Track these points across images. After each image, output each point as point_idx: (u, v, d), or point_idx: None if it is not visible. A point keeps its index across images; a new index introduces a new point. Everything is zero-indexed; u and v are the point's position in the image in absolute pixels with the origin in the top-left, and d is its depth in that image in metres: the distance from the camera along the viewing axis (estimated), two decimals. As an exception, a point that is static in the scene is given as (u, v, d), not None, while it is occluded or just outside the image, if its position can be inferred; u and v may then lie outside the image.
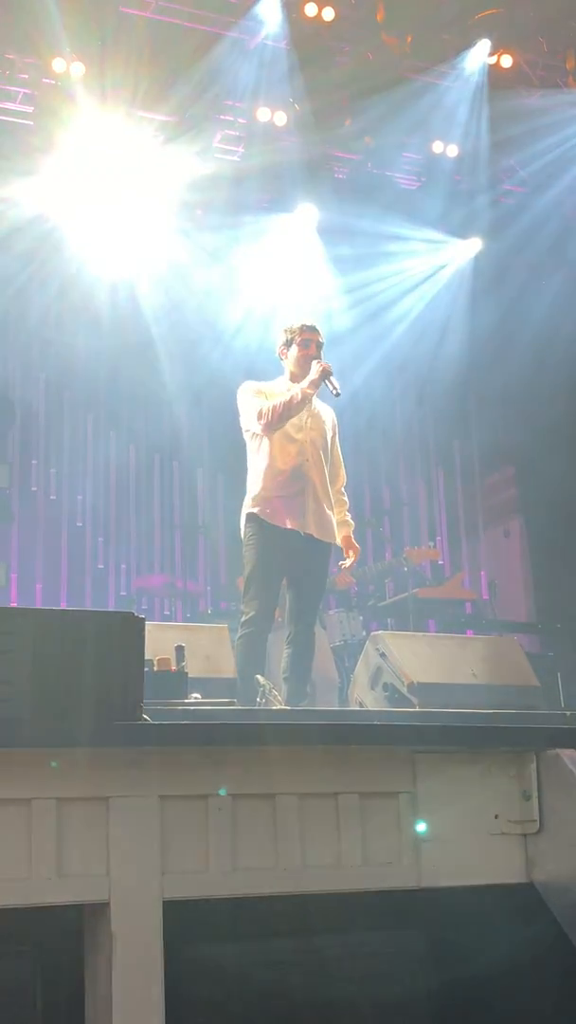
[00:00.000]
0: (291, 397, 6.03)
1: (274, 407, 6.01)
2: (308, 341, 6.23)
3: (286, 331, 6.33)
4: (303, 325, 6.31)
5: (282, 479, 6.02)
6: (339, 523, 6.24)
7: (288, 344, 6.28)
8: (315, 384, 6.06)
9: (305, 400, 6.07)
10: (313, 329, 6.30)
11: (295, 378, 6.24)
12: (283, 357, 6.33)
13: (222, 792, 2.76)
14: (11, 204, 9.33)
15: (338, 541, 6.23)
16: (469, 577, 11.87)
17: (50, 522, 11.07)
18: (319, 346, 6.24)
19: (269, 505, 5.98)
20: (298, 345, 6.23)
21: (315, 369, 6.07)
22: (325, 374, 6.04)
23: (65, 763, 2.66)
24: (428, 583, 10.33)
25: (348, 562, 6.36)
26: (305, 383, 6.08)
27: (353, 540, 6.34)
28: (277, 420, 6.01)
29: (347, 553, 6.31)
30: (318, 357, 6.17)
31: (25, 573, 10.69)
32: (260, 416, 6.01)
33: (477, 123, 9.68)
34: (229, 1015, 2.82)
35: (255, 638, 5.90)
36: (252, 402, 6.12)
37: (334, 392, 6.07)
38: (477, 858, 3.06)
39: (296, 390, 6.06)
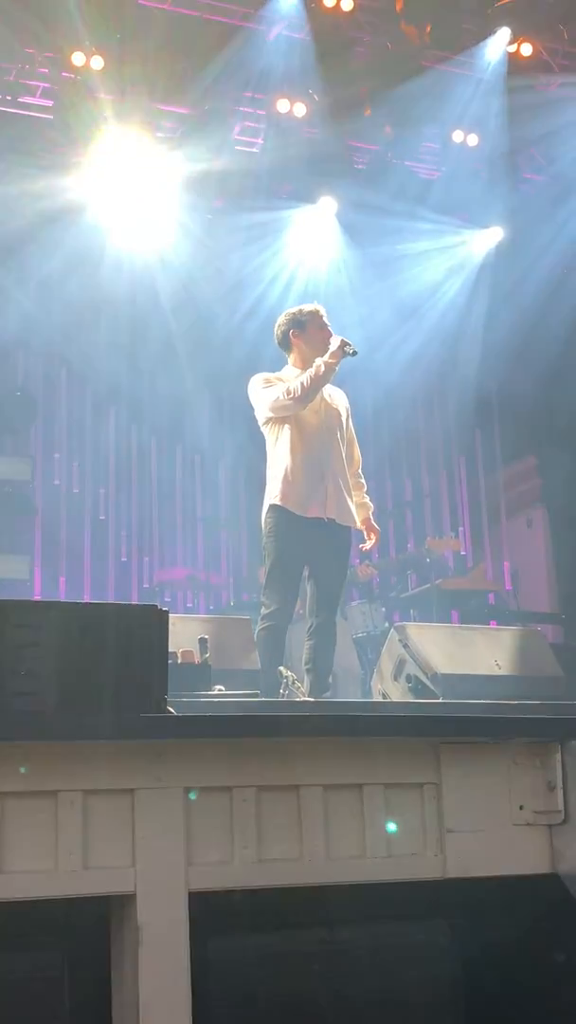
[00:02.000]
0: (316, 368, 5.98)
1: (302, 382, 5.96)
2: (323, 323, 6.19)
3: (294, 315, 6.26)
4: (314, 307, 6.26)
5: (303, 467, 5.99)
6: (358, 506, 6.20)
7: (302, 326, 6.20)
8: (337, 355, 6.03)
9: (330, 372, 6.02)
10: (322, 310, 6.26)
11: (306, 361, 6.15)
12: (294, 341, 6.23)
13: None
14: (32, 198, 9.35)
15: (358, 524, 6.21)
16: (492, 568, 11.85)
17: (73, 516, 11.10)
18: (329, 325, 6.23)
19: (292, 494, 5.97)
20: (315, 325, 6.19)
21: (335, 342, 6.04)
22: (344, 344, 6.01)
23: (90, 755, 2.67)
24: (451, 574, 10.33)
25: (369, 544, 6.33)
26: (326, 356, 6.03)
27: (373, 522, 6.30)
28: (307, 394, 5.97)
29: (368, 536, 6.29)
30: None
31: (48, 567, 10.72)
32: (290, 392, 5.97)
33: (497, 112, 9.64)
34: (254, 1006, 2.83)
35: (276, 631, 5.89)
36: (266, 392, 6.08)
37: (351, 352, 6.03)
38: (502, 849, 3.06)
39: (319, 363, 6.02)
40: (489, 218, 10.87)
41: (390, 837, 2.94)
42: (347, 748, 2.96)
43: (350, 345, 6.02)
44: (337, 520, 6.05)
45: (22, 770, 2.62)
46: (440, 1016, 3.03)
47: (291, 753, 2.89)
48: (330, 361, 6.00)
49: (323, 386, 6.05)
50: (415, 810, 2.99)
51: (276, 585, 5.96)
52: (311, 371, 6.00)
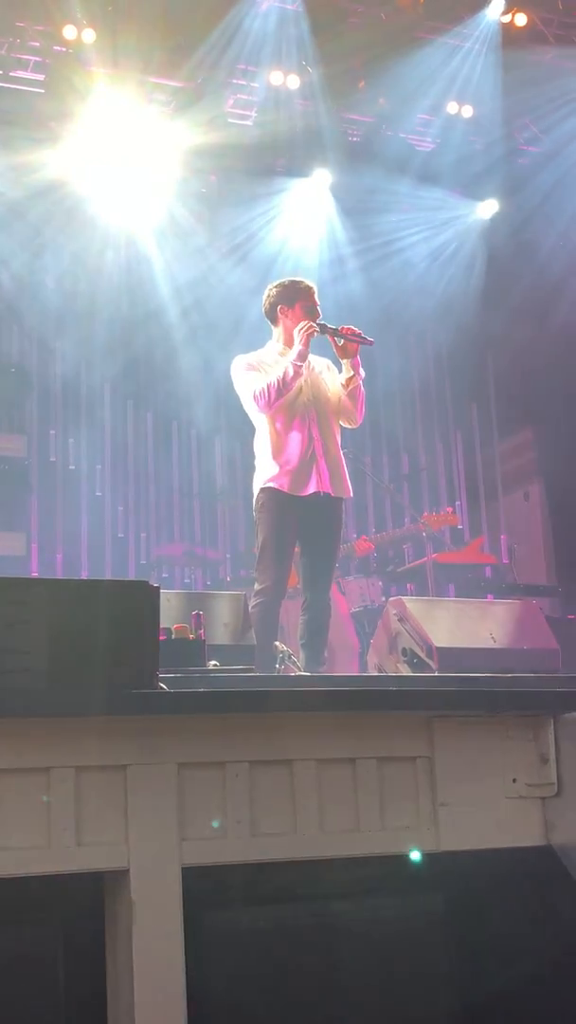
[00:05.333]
0: (284, 373, 5.88)
1: (269, 387, 5.88)
2: (314, 302, 6.09)
3: (286, 287, 6.14)
4: (308, 284, 6.14)
5: (295, 449, 5.96)
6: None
7: (291, 302, 6.09)
8: (303, 355, 5.93)
9: (299, 375, 5.95)
10: (314, 289, 6.15)
11: (290, 339, 6.04)
12: (281, 316, 6.13)
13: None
14: (25, 171, 9.32)
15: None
16: (488, 541, 11.85)
17: (69, 492, 11.08)
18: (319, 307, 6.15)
19: (285, 476, 5.94)
20: (303, 305, 6.06)
21: (299, 337, 5.92)
22: (312, 334, 5.92)
23: (82, 732, 2.67)
24: (447, 548, 10.32)
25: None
26: (293, 355, 5.92)
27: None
28: (274, 400, 5.92)
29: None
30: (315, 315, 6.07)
31: (45, 543, 10.72)
32: (256, 398, 5.94)
33: (492, 83, 9.58)
34: (249, 980, 2.84)
35: (269, 607, 5.87)
36: (247, 379, 6.01)
37: (367, 342, 5.94)
38: (495, 821, 3.07)
39: (287, 365, 5.90)
40: (484, 190, 10.84)
41: (384, 811, 2.95)
42: (340, 722, 2.96)
43: (360, 336, 5.93)
44: (332, 493, 6.02)
45: (19, 745, 2.63)
46: (434, 988, 3.04)
47: (284, 728, 2.89)
48: (297, 363, 5.91)
49: (291, 388, 5.95)
50: (408, 784, 2.99)
51: (268, 562, 5.94)
52: (279, 376, 5.91)
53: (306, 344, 5.93)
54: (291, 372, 5.90)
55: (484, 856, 3.05)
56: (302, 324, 5.96)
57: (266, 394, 5.90)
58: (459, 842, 3.00)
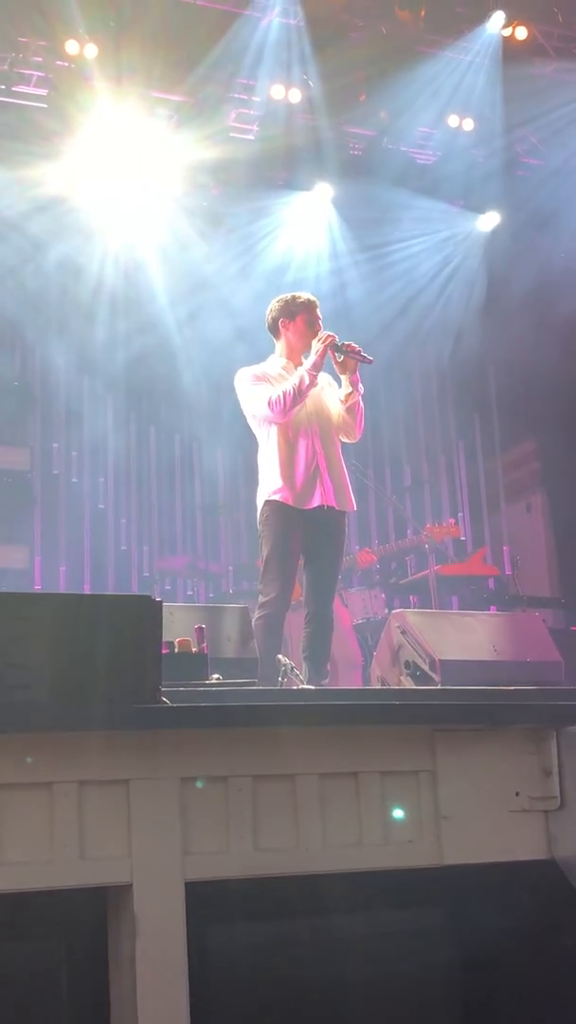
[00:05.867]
0: (300, 381, 5.93)
1: (285, 394, 5.91)
2: (315, 316, 6.15)
3: (287, 302, 6.18)
4: (308, 298, 6.20)
5: (298, 462, 5.97)
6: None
7: (292, 316, 6.15)
8: (318, 366, 5.99)
9: (314, 384, 5.99)
10: (317, 303, 6.21)
11: (293, 352, 6.14)
12: (283, 330, 6.18)
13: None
14: (28, 186, 9.34)
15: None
16: (491, 553, 11.84)
17: (72, 505, 11.10)
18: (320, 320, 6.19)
19: (290, 491, 5.95)
20: (304, 319, 6.12)
21: (316, 348, 5.98)
22: (335, 347, 5.98)
23: (85, 746, 2.68)
24: (450, 560, 10.32)
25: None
26: (308, 364, 5.98)
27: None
28: (290, 407, 5.95)
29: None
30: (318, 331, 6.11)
31: (48, 556, 10.73)
32: (271, 405, 5.95)
33: (493, 96, 9.60)
34: (251, 995, 2.84)
35: (273, 619, 5.89)
36: (256, 391, 6.04)
37: (367, 360, 5.99)
38: (498, 835, 3.07)
39: (303, 373, 5.96)
40: (486, 202, 10.85)
41: (386, 825, 2.95)
42: (342, 736, 2.97)
43: (352, 351, 5.97)
44: (336, 507, 6.04)
45: (22, 760, 2.63)
46: (437, 1003, 3.04)
47: (286, 742, 2.89)
48: (313, 373, 5.95)
49: (305, 397, 5.99)
50: (411, 797, 3.00)
51: (273, 574, 5.96)
52: (295, 383, 5.94)
53: (323, 355, 5.97)
54: (307, 380, 5.95)
55: (487, 870, 3.05)
56: (321, 334, 6.01)
57: (282, 401, 5.93)
58: (462, 856, 3.00)
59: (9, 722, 2.61)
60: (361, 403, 6.15)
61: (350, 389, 6.09)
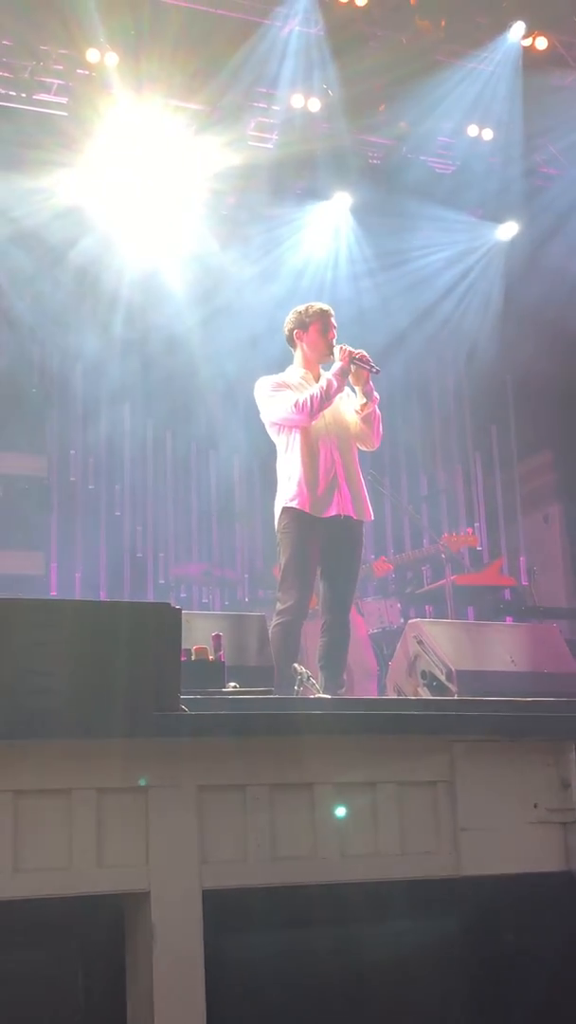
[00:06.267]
0: (328, 384, 5.99)
1: (313, 397, 5.96)
2: (328, 324, 6.19)
3: (300, 313, 6.24)
4: (321, 308, 6.25)
5: (318, 472, 6.00)
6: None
7: (305, 326, 6.21)
8: (345, 371, 6.04)
9: (341, 388, 6.05)
10: (330, 312, 6.26)
11: (309, 362, 6.20)
12: (298, 340, 6.25)
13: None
14: (48, 194, 9.39)
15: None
16: (508, 563, 11.82)
17: (88, 512, 11.12)
18: (335, 329, 6.22)
19: (308, 499, 5.97)
20: (317, 328, 6.18)
21: (340, 354, 6.04)
22: (353, 357, 6.02)
23: (103, 753, 2.68)
24: (467, 570, 10.30)
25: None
26: (334, 369, 6.04)
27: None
28: (317, 410, 5.99)
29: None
30: (335, 340, 6.15)
31: (64, 563, 10.74)
32: (299, 408, 5.98)
33: (512, 106, 9.60)
34: (268, 1004, 2.83)
35: (291, 627, 5.90)
36: (278, 397, 6.08)
37: (373, 370, 6.05)
38: (516, 847, 3.06)
39: (330, 377, 6.01)
40: (504, 212, 10.85)
41: (404, 835, 2.94)
42: (360, 746, 2.96)
43: (364, 360, 6.01)
44: (353, 516, 6.05)
45: (41, 767, 2.63)
46: (453, 1014, 3.03)
47: (304, 751, 2.89)
48: (340, 378, 6.00)
49: (332, 402, 6.04)
50: (429, 808, 2.99)
51: (291, 581, 5.96)
52: (322, 386, 6.00)
53: (346, 362, 6.00)
54: (335, 384, 6.00)
55: (505, 881, 3.04)
56: (343, 347, 6.06)
57: (310, 404, 5.97)
58: (480, 867, 2.99)
59: (28, 728, 2.61)
60: (378, 411, 6.18)
61: (365, 399, 6.13)
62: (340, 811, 2.89)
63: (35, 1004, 2.70)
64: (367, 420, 6.16)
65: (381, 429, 6.24)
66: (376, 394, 6.19)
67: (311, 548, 5.99)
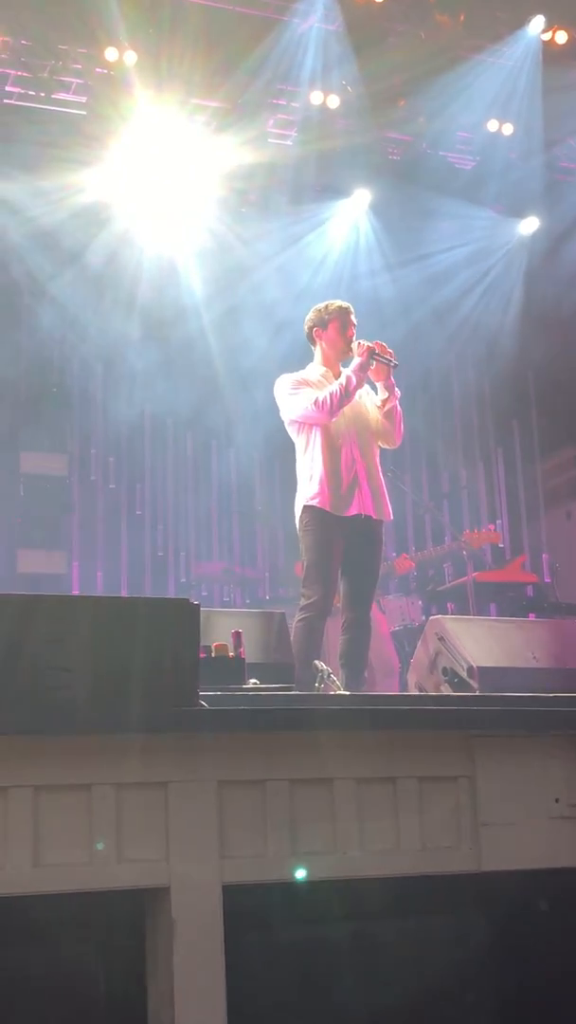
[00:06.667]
0: (347, 380, 5.98)
1: (332, 395, 5.94)
2: (347, 322, 6.18)
3: (320, 311, 6.24)
4: (340, 305, 6.24)
5: (338, 471, 5.98)
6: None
7: (324, 324, 6.20)
8: (364, 367, 6.02)
9: (361, 384, 6.03)
10: (349, 309, 6.25)
11: (328, 359, 6.19)
12: (318, 338, 6.24)
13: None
14: (68, 192, 9.39)
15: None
16: (530, 560, 11.78)
17: (109, 511, 11.15)
18: (355, 326, 6.21)
19: (328, 497, 5.95)
20: (336, 326, 6.18)
21: (358, 350, 6.03)
22: (372, 353, 6.00)
23: (123, 749, 2.68)
24: (488, 566, 10.26)
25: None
26: (353, 365, 6.03)
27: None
28: (337, 407, 5.97)
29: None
30: (354, 337, 6.13)
31: (86, 561, 10.77)
32: (319, 405, 5.96)
33: (532, 100, 9.56)
34: (290, 1000, 2.83)
35: (314, 622, 5.89)
36: (298, 395, 6.06)
37: (392, 363, 6.03)
38: (538, 842, 3.05)
39: (350, 374, 6.00)
40: (525, 207, 10.81)
41: (424, 830, 2.93)
42: (380, 741, 2.95)
43: (387, 356, 6.00)
44: (373, 516, 6.04)
45: (61, 762, 2.63)
46: (474, 1010, 3.02)
47: (324, 746, 2.88)
48: (360, 375, 5.99)
49: (352, 398, 6.02)
50: (449, 803, 2.98)
51: (315, 577, 5.95)
52: (341, 382, 5.99)
53: (366, 357, 5.98)
54: (355, 380, 5.98)
55: (526, 877, 3.02)
56: (363, 343, 6.04)
57: (330, 401, 5.95)
58: (501, 862, 2.98)
59: (49, 723, 2.61)
60: (399, 407, 6.16)
61: (386, 394, 6.11)
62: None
63: (56, 1000, 2.70)
64: (389, 416, 6.14)
65: (403, 427, 6.23)
66: (397, 390, 6.17)
67: (334, 545, 5.98)
